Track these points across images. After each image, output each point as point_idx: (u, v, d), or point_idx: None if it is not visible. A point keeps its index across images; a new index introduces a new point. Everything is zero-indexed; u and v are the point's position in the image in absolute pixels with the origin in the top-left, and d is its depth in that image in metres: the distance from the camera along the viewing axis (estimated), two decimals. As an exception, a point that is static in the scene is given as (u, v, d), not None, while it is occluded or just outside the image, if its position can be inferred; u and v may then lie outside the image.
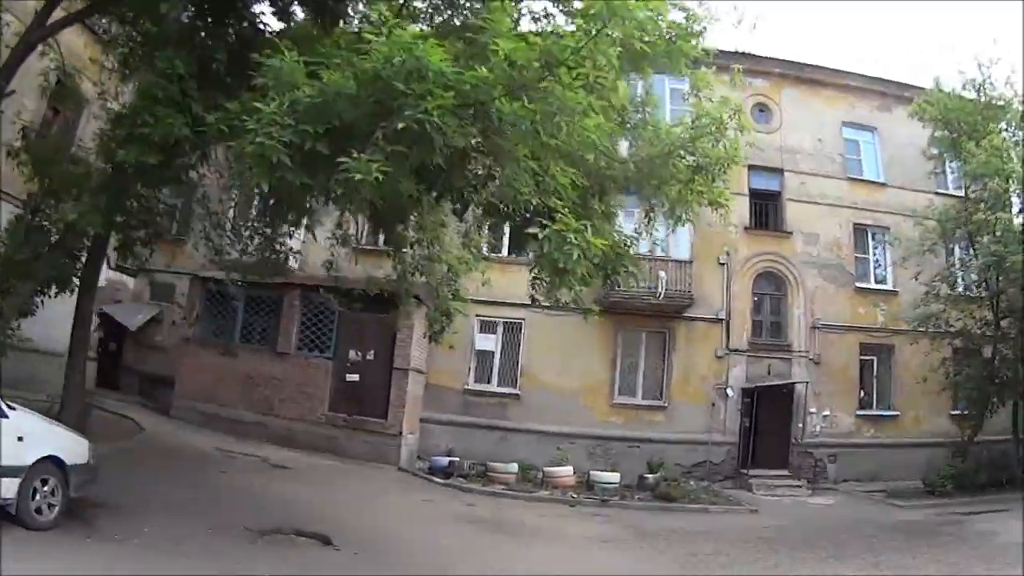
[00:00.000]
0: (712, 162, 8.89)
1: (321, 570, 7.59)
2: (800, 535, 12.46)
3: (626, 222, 10.50)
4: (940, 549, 11.04)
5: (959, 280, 18.44)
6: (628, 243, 8.95)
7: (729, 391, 18.29)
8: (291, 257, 12.49)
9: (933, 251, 17.68)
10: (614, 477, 15.52)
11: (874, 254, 20.30)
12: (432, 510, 12.18)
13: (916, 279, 17.91)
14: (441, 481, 14.76)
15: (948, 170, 20.09)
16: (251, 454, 13.42)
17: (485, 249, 14.40)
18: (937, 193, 19.38)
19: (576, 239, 6.22)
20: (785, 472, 17.91)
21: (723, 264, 18.73)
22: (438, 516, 11.68)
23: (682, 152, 8.90)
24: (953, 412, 19.11)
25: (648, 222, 10.21)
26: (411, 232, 11.02)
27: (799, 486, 17.18)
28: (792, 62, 20.13)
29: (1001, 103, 17.12)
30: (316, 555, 8.00)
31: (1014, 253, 15.52)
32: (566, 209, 6.49)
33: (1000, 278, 16.91)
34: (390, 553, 8.63)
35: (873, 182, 20.30)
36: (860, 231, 20.12)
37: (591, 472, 15.75)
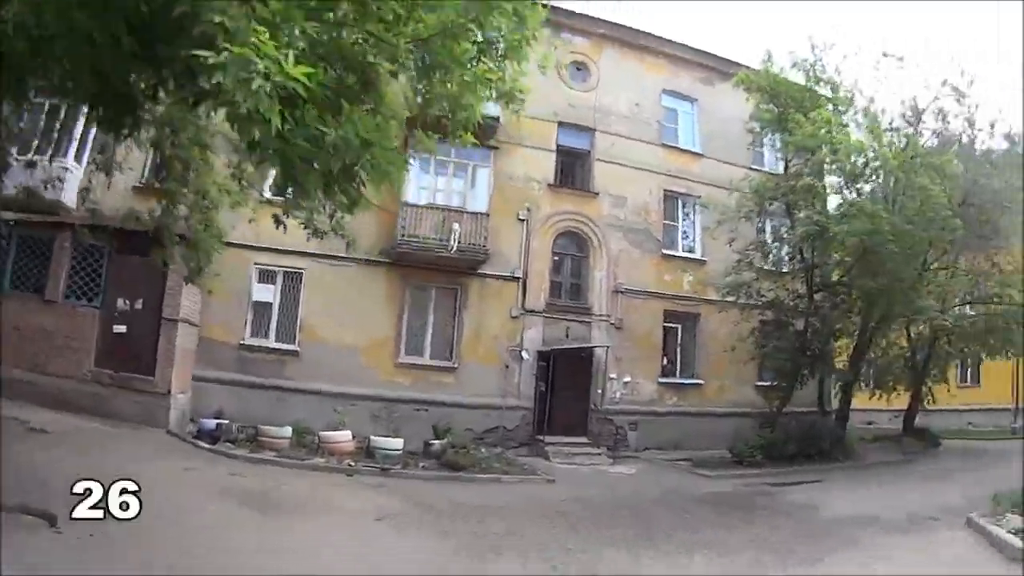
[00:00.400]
0: (507, 40, 7.81)
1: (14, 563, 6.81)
2: (603, 508, 12.92)
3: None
4: (760, 526, 11.89)
5: (772, 253, 21.53)
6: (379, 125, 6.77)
7: (524, 353, 20.03)
8: (59, 189, 13.20)
9: (749, 218, 20.59)
10: (397, 443, 16.07)
11: (684, 222, 23.33)
12: (191, 481, 12.09)
13: (730, 245, 20.46)
14: (207, 447, 14.93)
15: (767, 146, 23.63)
16: (12, 417, 13.13)
17: (267, 193, 16.02)
18: (753, 168, 22.56)
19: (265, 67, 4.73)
20: (584, 439, 19.85)
21: (523, 220, 20.70)
22: (196, 488, 11.58)
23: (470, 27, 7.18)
24: (759, 383, 22.03)
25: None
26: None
27: (599, 454, 18.93)
28: (617, 25, 22.64)
29: (829, 87, 20.55)
30: (24, 540, 7.34)
31: (835, 223, 18.60)
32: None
33: (816, 251, 20.16)
34: (120, 538, 7.67)
35: (689, 151, 23.42)
36: (671, 198, 22.99)
37: (372, 438, 16.20)
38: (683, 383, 22.39)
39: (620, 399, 21.23)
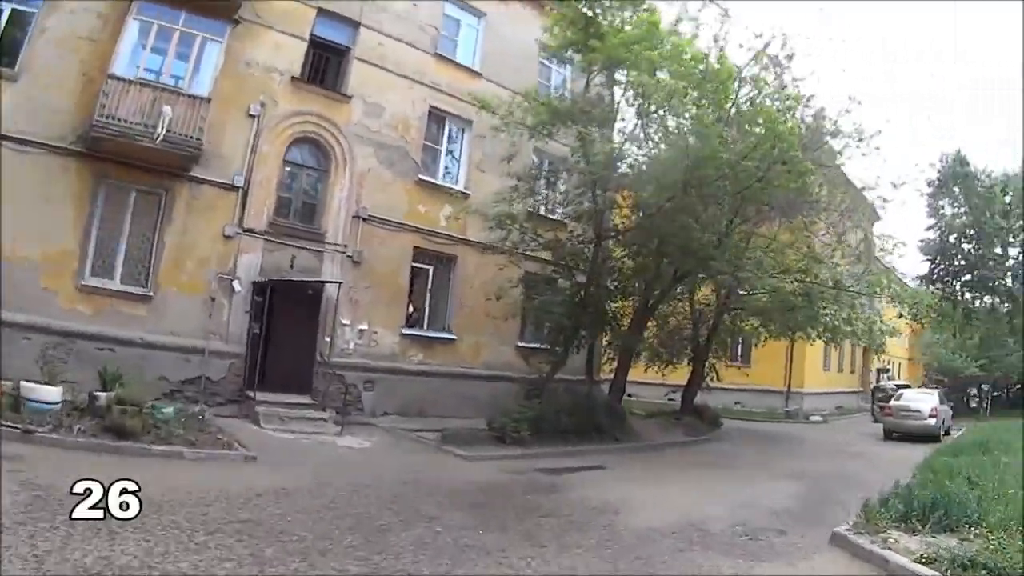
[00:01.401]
0: None
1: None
2: (313, 514, 9.95)
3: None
4: (551, 550, 9.31)
5: (556, 186, 22.94)
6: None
7: (236, 284, 18.80)
8: None
9: (536, 135, 21.34)
10: (52, 393, 13.68)
11: (449, 146, 23.52)
12: None
13: (508, 162, 21.08)
14: None
15: (555, 78, 24.92)
16: None
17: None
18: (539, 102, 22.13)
19: None
20: (307, 399, 19.13)
21: (254, 117, 19.28)
22: None
23: None
24: (522, 344, 23.02)
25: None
26: None
27: (324, 419, 18.21)
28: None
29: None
30: None
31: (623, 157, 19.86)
32: None
33: (607, 191, 20.88)
34: None
35: (466, 68, 23.50)
36: (437, 117, 23.00)
37: (22, 384, 13.64)
38: (432, 337, 22.67)
39: (354, 351, 21.00)
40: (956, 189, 52.47)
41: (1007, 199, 51.68)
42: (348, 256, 21.07)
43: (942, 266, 50.74)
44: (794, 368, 38.49)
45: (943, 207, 54.09)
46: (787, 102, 20.42)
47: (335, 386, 20.22)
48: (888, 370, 63.29)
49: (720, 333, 28.01)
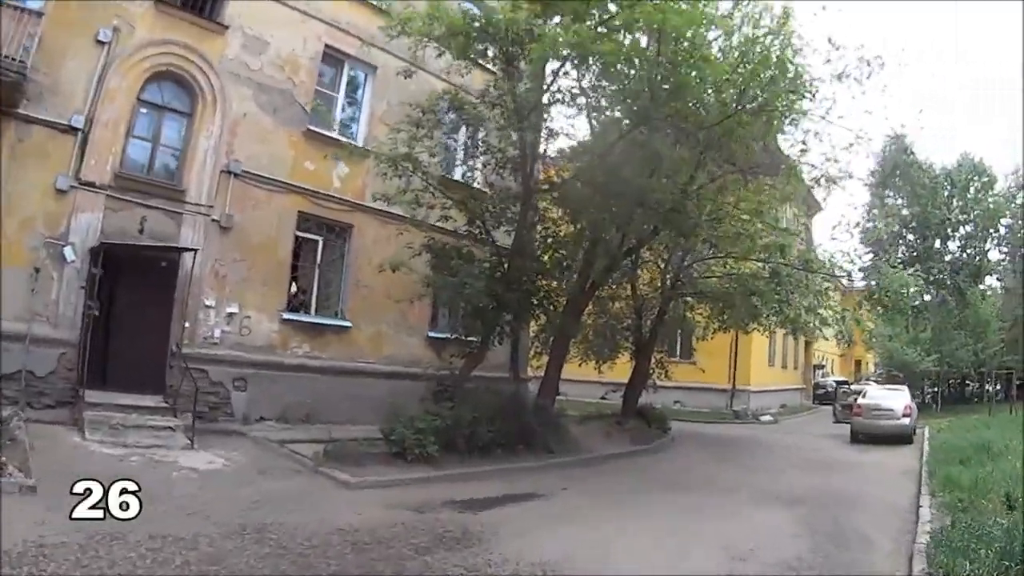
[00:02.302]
0: None
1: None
2: None
3: None
4: None
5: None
6: None
7: (69, 251, 14.86)
8: None
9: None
10: None
11: (346, 95, 19.43)
12: None
13: (420, 113, 17.13)
14: None
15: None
16: None
17: None
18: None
19: None
20: (158, 401, 15.10)
21: (104, 44, 15.32)
22: None
23: None
24: (433, 334, 19.38)
25: None
26: None
27: (172, 428, 14.16)
28: None
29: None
30: None
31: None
32: None
33: (527, 136, 17.17)
34: None
35: (373, 4, 19.13)
36: (334, 59, 18.98)
37: None
38: (321, 324, 18.53)
39: (220, 340, 16.77)
40: (899, 180, 49.74)
41: (947, 193, 49.15)
42: (214, 220, 16.79)
43: (885, 258, 47.76)
44: (739, 364, 34.97)
45: (887, 196, 51.29)
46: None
47: (196, 384, 15.68)
48: (823, 366, 60.87)
49: (667, 323, 24.05)
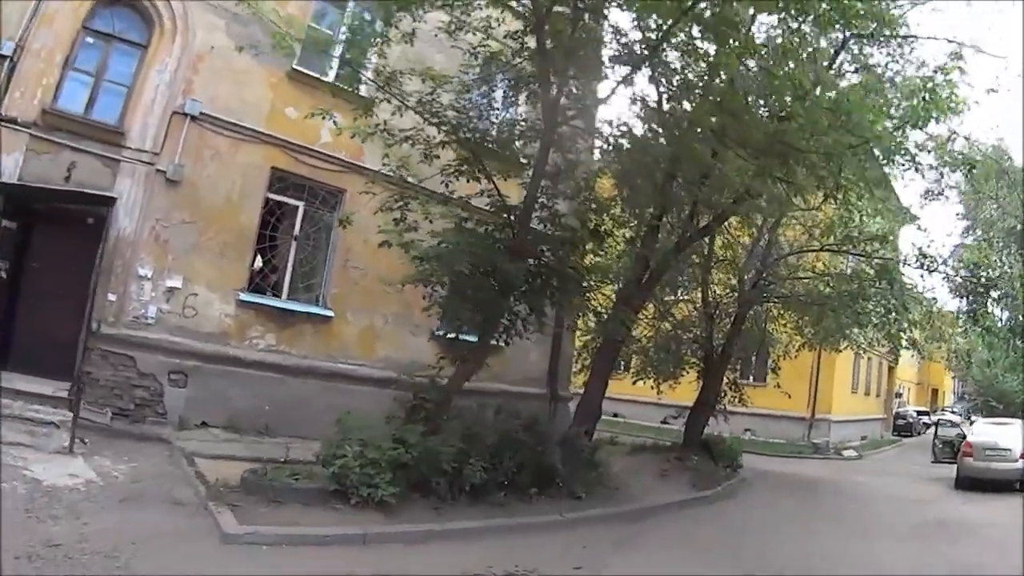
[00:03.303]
0: None
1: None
2: None
3: None
4: None
5: None
6: None
7: None
8: None
9: None
10: None
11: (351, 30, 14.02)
12: None
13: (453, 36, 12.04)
14: None
15: None
16: None
17: None
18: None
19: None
20: (63, 390, 11.10)
21: None
22: None
23: None
24: (442, 332, 14.53)
25: None
26: None
27: (56, 424, 10.33)
28: None
29: None
30: None
31: None
32: None
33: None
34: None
35: None
36: None
37: None
38: (293, 311, 14.19)
39: (156, 320, 12.72)
40: (998, 189, 43.29)
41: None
42: (160, 171, 12.73)
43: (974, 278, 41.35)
44: (820, 389, 29.71)
45: (984, 208, 44.92)
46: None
47: (121, 373, 12.32)
48: (900, 394, 55.05)
49: (744, 335, 19.23)
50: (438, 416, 10.94)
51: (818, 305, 17.85)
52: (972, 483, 19.62)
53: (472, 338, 12.49)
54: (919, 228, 17.41)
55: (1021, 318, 38.90)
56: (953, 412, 64.48)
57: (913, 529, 13.82)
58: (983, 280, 23.68)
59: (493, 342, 12.24)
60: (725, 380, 19.36)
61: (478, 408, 12.21)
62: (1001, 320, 43.99)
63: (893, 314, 17.88)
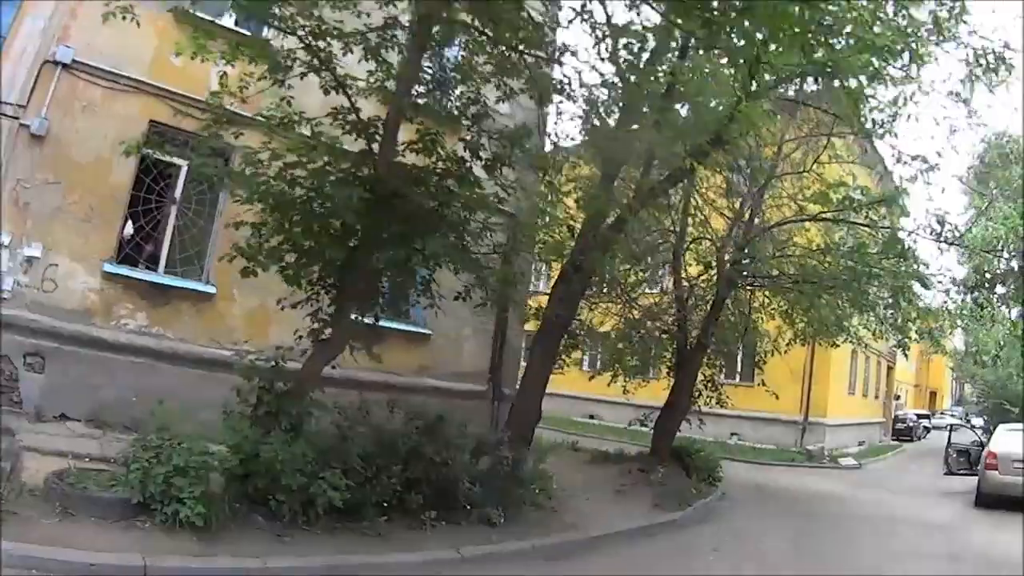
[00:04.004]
0: None
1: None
2: None
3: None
4: None
5: None
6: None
7: None
8: None
9: None
10: None
11: None
12: None
13: None
14: None
15: None
16: None
17: None
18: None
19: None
20: None
21: None
22: None
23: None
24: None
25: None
26: None
27: None
28: None
29: None
30: None
31: None
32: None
33: None
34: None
35: None
36: None
37: None
38: (170, 286, 12.09)
39: (13, 294, 10.72)
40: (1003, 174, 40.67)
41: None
42: (23, 126, 10.66)
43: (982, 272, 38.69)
44: (814, 389, 27.37)
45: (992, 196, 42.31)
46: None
47: None
48: (899, 396, 52.82)
49: (722, 324, 16.84)
50: (287, 413, 8.56)
51: (810, 284, 15.23)
52: (995, 500, 16.98)
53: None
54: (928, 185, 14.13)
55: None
56: (953, 415, 62.20)
57: (948, 567, 11.13)
58: (988, 275, 21.80)
59: (370, 320, 10.01)
60: (700, 377, 16.92)
61: (362, 405, 9.91)
62: (1011, 318, 41.80)
63: (902, 297, 15.39)
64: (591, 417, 28.16)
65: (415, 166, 9.74)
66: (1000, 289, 30.06)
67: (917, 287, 15.48)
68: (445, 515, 9.38)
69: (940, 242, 14.79)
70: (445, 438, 9.74)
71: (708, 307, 16.52)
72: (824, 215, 15.21)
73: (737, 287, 16.29)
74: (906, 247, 14.23)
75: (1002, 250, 18.79)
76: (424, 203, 9.20)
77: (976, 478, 18.82)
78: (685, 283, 16.63)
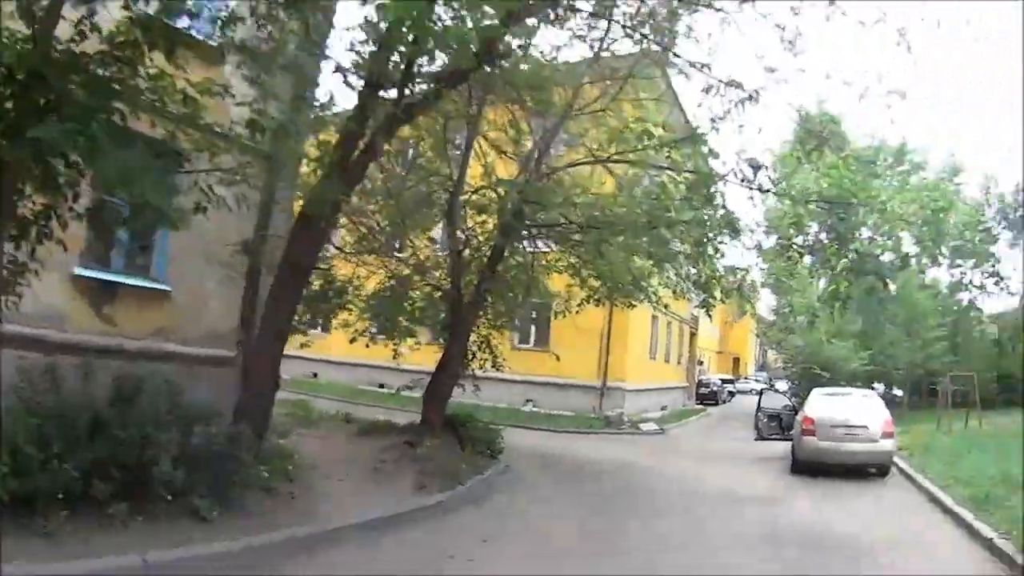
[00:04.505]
0: None
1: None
2: None
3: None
4: None
5: None
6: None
7: None
8: None
9: None
10: None
11: None
12: None
13: None
14: None
15: None
16: None
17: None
18: None
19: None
20: None
21: None
22: None
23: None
24: (89, 272, 9.87)
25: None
26: None
27: None
28: None
29: None
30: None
31: None
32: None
33: None
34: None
35: None
36: None
37: None
38: None
39: None
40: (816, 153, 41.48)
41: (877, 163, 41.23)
42: None
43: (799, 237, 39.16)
44: (613, 353, 26.42)
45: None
46: None
47: None
48: (703, 362, 53.92)
49: (499, 280, 15.05)
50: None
51: (595, 229, 13.45)
52: (812, 467, 15.93)
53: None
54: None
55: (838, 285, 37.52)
56: (757, 381, 64.44)
57: (745, 546, 9.50)
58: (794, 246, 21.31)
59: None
60: (473, 337, 15.12)
61: (49, 369, 7.71)
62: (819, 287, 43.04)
63: (710, 246, 14.06)
64: (381, 386, 26.08)
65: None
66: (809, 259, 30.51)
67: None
68: (142, 507, 7.26)
69: (752, 189, 13.24)
70: (144, 411, 7.59)
71: (488, 259, 14.61)
72: (620, 157, 13.56)
73: (519, 237, 14.41)
74: (712, 191, 12.72)
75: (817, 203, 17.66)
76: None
77: (788, 443, 18.29)
78: (461, 234, 14.60)
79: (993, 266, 45.45)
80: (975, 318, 44.42)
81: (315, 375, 30.12)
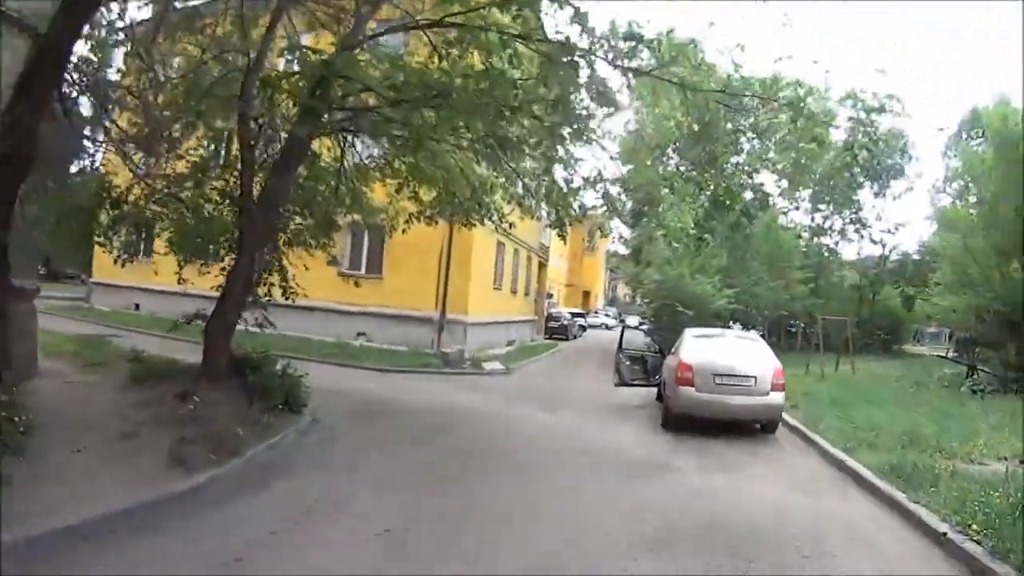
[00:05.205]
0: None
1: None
2: None
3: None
4: None
5: None
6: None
7: None
8: None
9: None
10: None
11: None
12: None
13: None
14: None
15: None
16: None
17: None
18: None
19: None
20: None
21: None
22: None
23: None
24: None
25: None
26: None
27: None
28: None
29: None
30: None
31: None
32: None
33: None
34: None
35: None
36: None
37: None
38: None
39: None
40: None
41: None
42: None
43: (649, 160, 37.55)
44: (454, 283, 23.79)
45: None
46: None
47: None
48: (552, 295, 52.31)
49: (305, 189, 12.12)
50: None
51: (410, 103, 10.27)
52: (686, 422, 13.75)
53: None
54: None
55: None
56: (607, 315, 63.38)
57: (657, 540, 7.07)
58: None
59: None
60: (266, 254, 12.04)
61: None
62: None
63: (574, 138, 11.35)
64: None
65: None
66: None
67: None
68: None
69: (627, 72, 10.49)
70: None
71: (289, 156, 11.49)
72: (454, 19, 10.49)
73: (324, 128, 11.25)
74: (576, 62, 9.83)
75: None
76: None
77: (652, 389, 16.67)
78: (255, 124, 11.39)
79: (855, 212, 46.12)
80: (836, 262, 45.43)
81: (137, 307, 26.66)
